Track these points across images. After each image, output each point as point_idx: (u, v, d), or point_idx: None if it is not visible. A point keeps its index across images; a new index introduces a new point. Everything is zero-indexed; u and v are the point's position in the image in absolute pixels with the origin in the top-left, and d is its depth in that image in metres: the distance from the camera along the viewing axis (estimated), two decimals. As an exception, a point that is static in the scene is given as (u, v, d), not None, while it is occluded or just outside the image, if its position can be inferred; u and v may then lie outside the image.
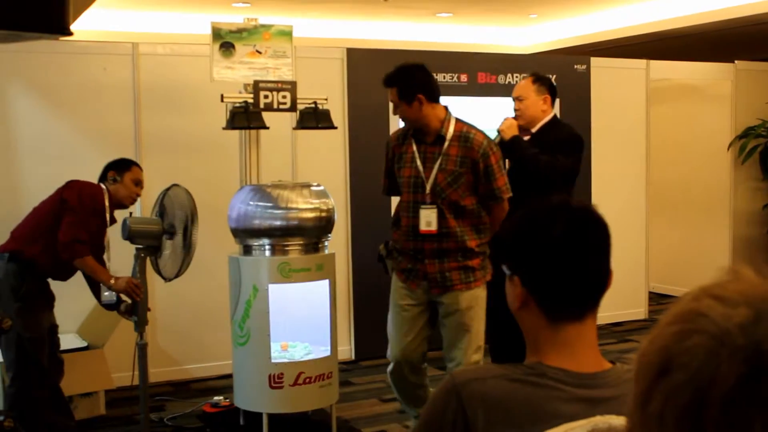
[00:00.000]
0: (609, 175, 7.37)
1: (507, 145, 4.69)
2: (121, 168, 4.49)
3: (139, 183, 4.56)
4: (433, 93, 4.19)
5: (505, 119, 4.83)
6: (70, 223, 4.20)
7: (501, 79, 6.87)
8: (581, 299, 1.58)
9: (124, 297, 4.33)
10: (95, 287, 4.49)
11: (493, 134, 4.69)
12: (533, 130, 4.85)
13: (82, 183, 4.42)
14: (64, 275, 4.45)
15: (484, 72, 6.81)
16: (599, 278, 1.59)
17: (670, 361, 0.75)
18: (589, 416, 1.39)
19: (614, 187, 7.41)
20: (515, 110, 4.84)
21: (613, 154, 7.41)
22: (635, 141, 7.59)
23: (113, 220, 4.49)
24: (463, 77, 6.74)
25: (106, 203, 4.39)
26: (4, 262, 4.17)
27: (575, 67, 7.21)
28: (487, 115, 6.78)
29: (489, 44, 9.42)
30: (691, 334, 0.75)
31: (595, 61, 7.33)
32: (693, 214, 8.15)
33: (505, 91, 6.86)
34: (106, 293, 4.28)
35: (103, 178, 4.49)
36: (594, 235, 1.58)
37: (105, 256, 4.48)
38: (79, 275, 4.51)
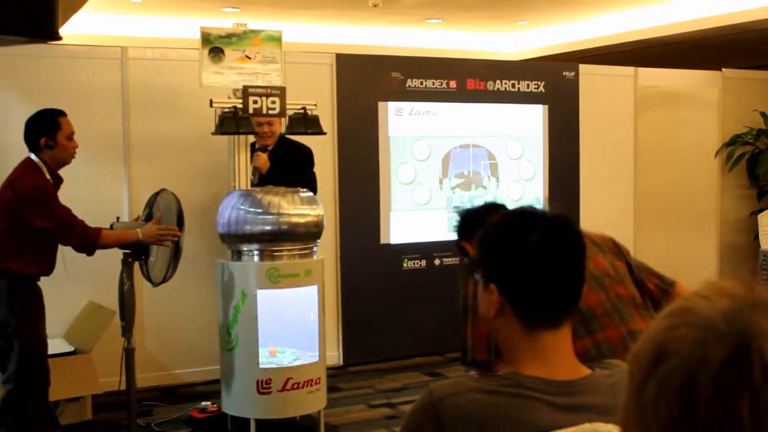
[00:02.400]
0: (597, 182, 7.39)
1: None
2: (50, 130, 4.17)
3: (72, 135, 4.26)
4: None
5: (258, 156, 5.26)
6: (48, 225, 4.05)
7: (490, 85, 6.89)
8: (557, 306, 1.59)
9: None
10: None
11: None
12: (270, 148, 5.38)
13: (13, 180, 4.13)
14: (53, 267, 4.33)
15: (473, 78, 6.83)
16: (575, 285, 1.60)
17: (662, 350, 0.82)
18: (570, 424, 1.40)
19: (602, 193, 7.43)
20: (264, 133, 5.23)
21: (601, 160, 7.43)
22: (623, 148, 7.62)
23: (59, 183, 4.29)
24: (452, 83, 6.75)
25: (47, 176, 4.15)
26: None
27: (564, 73, 7.24)
28: (476, 121, 6.82)
29: (478, 50, 9.44)
30: (680, 326, 0.83)
31: (584, 68, 7.36)
32: (680, 221, 8.17)
33: (494, 97, 6.90)
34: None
35: (35, 147, 4.17)
36: (569, 243, 1.59)
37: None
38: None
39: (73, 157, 4.32)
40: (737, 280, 0.87)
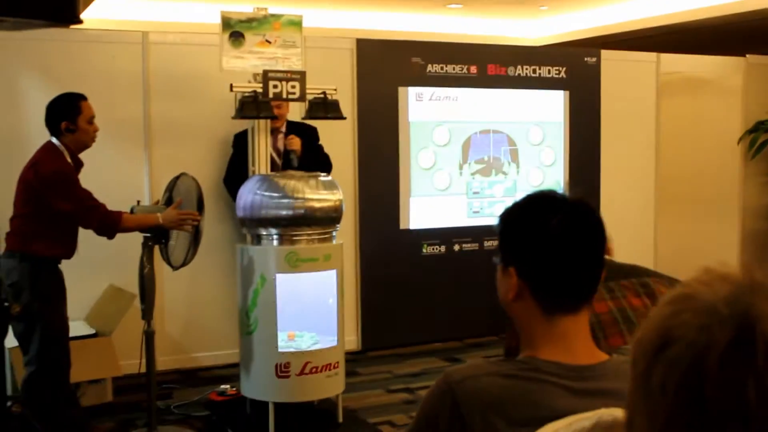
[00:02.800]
0: (618, 168, 7.35)
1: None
2: (71, 114, 4.18)
3: (92, 119, 4.26)
4: None
5: (293, 139, 5.48)
6: (69, 208, 4.08)
7: (511, 71, 6.86)
8: (576, 291, 1.58)
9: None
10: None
11: None
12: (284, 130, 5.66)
13: (35, 164, 4.14)
14: (74, 250, 4.34)
15: (493, 64, 6.80)
16: (595, 270, 1.59)
17: (667, 336, 0.84)
18: (587, 409, 1.39)
19: (623, 180, 7.39)
20: (278, 115, 5.38)
21: (622, 147, 7.39)
22: (645, 134, 7.57)
23: (80, 166, 4.31)
24: (473, 69, 6.73)
25: (68, 160, 4.17)
26: (17, 261, 4.06)
27: (585, 59, 7.19)
28: (496, 106, 6.79)
29: (499, 36, 9.40)
30: (683, 312, 0.85)
31: (606, 54, 7.31)
32: (702, 207, 8.11)
33: (514, 83, 6.86)
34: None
35: (56, 131, 4.18)
36: (590, 227, 1.59)
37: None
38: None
39: (94, 141, 4.33)
40: (736, 266, 0.89)
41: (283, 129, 5.60)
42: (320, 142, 5.78)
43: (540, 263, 1.57)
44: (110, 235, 4.26)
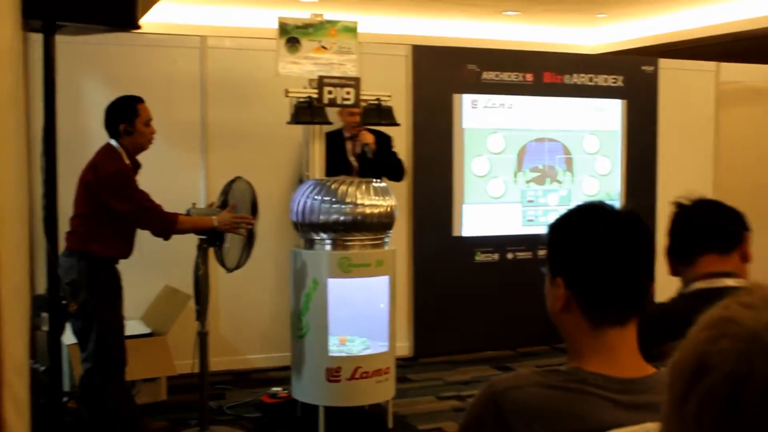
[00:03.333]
0: (675, 179, 7.24)
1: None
2: (129, 116, 4.26)
3: (149, 121, 4.33)
4: None
5: (365, 133, 5.52)
6: (126, 209, 4.16)
7: (567, 78, 6.82)
8: (624, 304, 1.56)
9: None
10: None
11: None
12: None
13: (95, 165, 4.22)
14: (131, 250, 4.42)
15: (549, 71, 6.76)
16: (643, 284, 1.58)
17: (704, 363, 0.79)
18: (633, 422, 1.38)
19: (681, 191, 7.24)
20: (353, 122, 5.52)
21: (679, 157, 7.29)
22: (703, 145, 7.46)
23: (137, 168, 4.39)
24: (529, 76, 6.70)
25: (126, 161, 4.25)
26: (75, 260, 4.13)
27: (643, 68, 7.12)
28: (552, 114, 6.76)
29: (555, 43, 9.35)
30: (723, 338, 0.79)
31: (664, 63, 7.23)
32: (762, 221, 7.95)
33: (570, 91, 6.82)
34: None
35: (114, 133, 4.26)
36: (639, 241, 1.58)
37: None
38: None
39: (151, 143, 4.40)
40: None
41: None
42: (394, 150, 5.90)
43: (587, 275, 1.56)
44: (166, 237, 4.33)
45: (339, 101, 4.84)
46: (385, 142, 5.79)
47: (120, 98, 4.37)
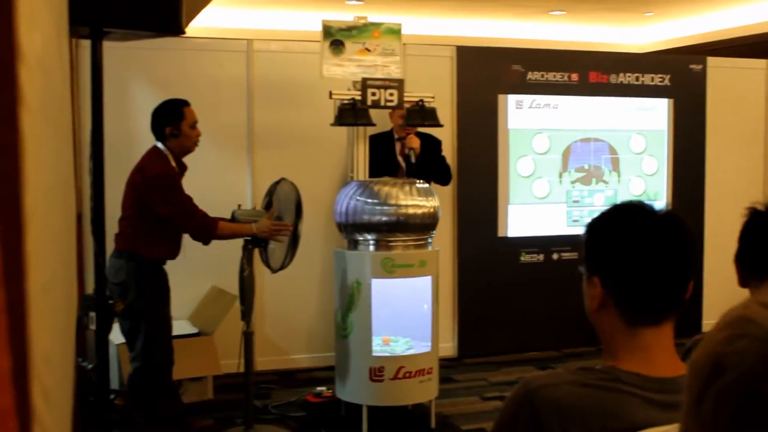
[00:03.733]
0: (723, 178, 7.16)
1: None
2: (175, 119, 4.34)
3: (194, 124, 4.40)
4: None
5: (412, 137, 5.51)
6: (169, 212, 4.22)
7: (613, 78, 6.77)
8: (660, 304, 1.57)
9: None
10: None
11: None
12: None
13: (142, 168, 4.30)
14: (178, 251, 4.50)
15: (595, 71, 6.72)
16: (680, 285, 1.57)
17: (720, 363, 0.79)
18: (667, 422, 1.38)
19: (729, 192, 7.19)
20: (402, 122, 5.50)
21: (728, 156, 7.20)
22: (753, 145, 7.36)
23: (183, 170, 4.47)
24: (574, 76, 6.67)
25: (172, 164, 4.33)
26: (124, 261, 4.21)
27: (690, 66, 7.04)
28: (597, 114, 6.71)
29: (602, 43, 9.28)
30: (739, 338, 0.78)
31: (712, 61, 7.14)
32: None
33: (616, 90, 6.77)
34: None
35: (161, 136, 4.35)
36: (677, 241, 1.57)
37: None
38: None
39: (197, 145, 4.47)
40: None
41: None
42: (443, 154, 5.97)
43: (624, 274, 1.57)
44: (205, 241, 4.40)
45: (382, 103, 4.87)
46: (434, 146, 5.83)
47: (166, 101, 4.44)
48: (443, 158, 5.94)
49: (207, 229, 4.31)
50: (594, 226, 1.65)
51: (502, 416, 1.64)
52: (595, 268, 1.61)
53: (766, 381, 0.75)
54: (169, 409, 4.32)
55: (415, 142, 5.49)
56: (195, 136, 4.42)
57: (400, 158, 5.73)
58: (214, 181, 5.81)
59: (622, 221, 1.60)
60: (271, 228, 4.38)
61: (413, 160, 5.45)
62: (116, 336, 4.52)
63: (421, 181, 4.79)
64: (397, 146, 5.76)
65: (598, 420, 1.49)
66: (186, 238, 4.49)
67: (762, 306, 0.80)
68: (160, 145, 4.35)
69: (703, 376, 0.81)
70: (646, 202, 1.62)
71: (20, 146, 0.50)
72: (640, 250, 1.55)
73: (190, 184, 5.71)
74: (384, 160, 5.52)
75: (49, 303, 0.66)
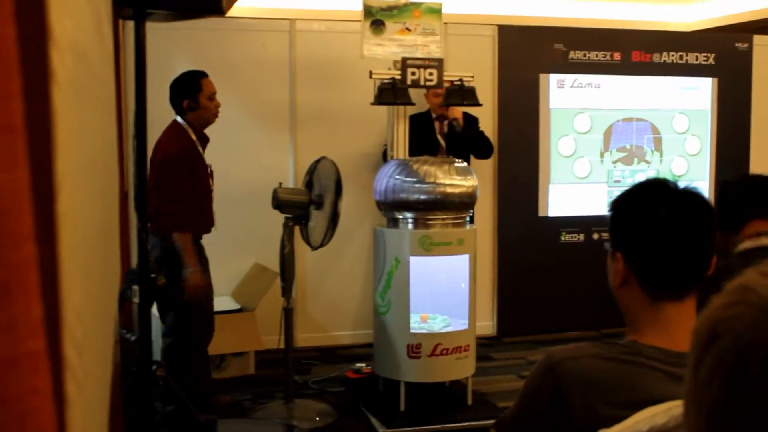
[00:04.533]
0: (769, 158, 7.08)
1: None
2: (192, 92, 4.28)
3: (213, 95, 4.34)
4: None
5: (454, 108, 5.50)
6: (155, 194, 4.06)
7: (656, 57, 6.72)
8: (682, 279, 1.60)
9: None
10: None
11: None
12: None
13: (159, 143, 4.23)
14: (209, 224, 4.45)
15: (638, 50, 6.67)
16: (701, 260, 1.60)
17: (716, 329, 0.80)
18: None
19: (774, 171, 7.11)
20: (437, 101, 5.64)
21: (774, 136, 7.11)
22: (800, 123, 7.26)
23: (205, 142, 4.40)
24: (617, 55, 6.63)
25: (192, 137, 4.27)
26: (158, 238, 4.16)
27: (736, 45, 6.95)
28: (640, 94, 6.67)
29: (646, 21, 9.17)
30: (736, 305, 0.80)
31: (759, 39, 7.04)
32: None
33: (659, 70, 6.72)
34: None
35: (179, 110, 4.30)
36: (699, 217, 1.60)
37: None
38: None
39: (216, 117, 4.40)
40: None
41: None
42: (481, 129, 6.03)
43: (645, 249, 1.60)
44: (162, 235, 4.23)
45: (422, 82, 4.90)
46: (472, 122, 5.85)
47: (183, 74, 4.38)
48: (482, 132, 5.99)
49: (169, 227, 4.13)
50: (617, 203, 1.68)
51: (526, 388, 1.69)
52: (618, 244, 1.65)
53: (758, 346, 0.76)
54: (199, 384, 4.34)
55: (458, 113, 5.54)
56: (214, 107, 4.36)
57: (439, 137, 5.78)
58: (257, 160, 5.91)
59: (644, 198, 1.63)
60: (197, 290, 4.19)
61: (459, 130, 5.51)
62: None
63: (461, 160, 4.81)
64: (436, 125, 5.81)
65: (620, 392, 1.53)
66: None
67: (762, 275, 0.81)
68: (179, 119, 4.29)
69: (701, 343, 0.82)
70: (670, 179, 1.65)
71: (52, 118, 0.56)
72: (660, 226, 1.58)
73: (234, 163, 5.83)
74: (423, 139, 5.57)
75: (80, 264, 0.72)
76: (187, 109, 4.28)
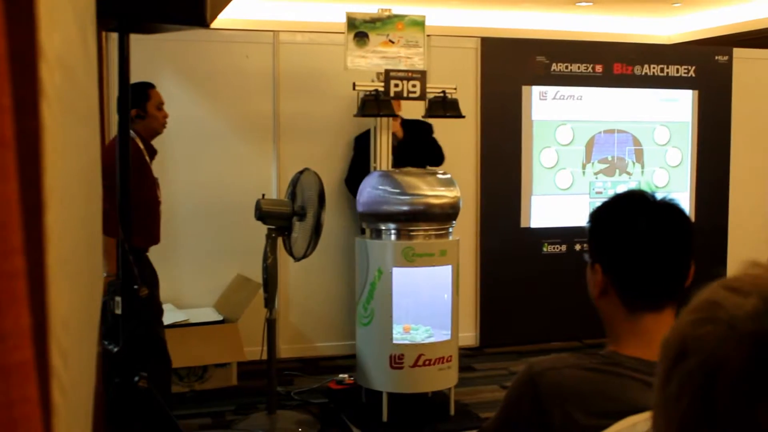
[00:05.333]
0: (749, 173, 7.15)
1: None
2: (140, 101, 4.20)
3: (161, 105, 4.31)
4: None
5: (394, 123, 5.48)
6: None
7: (638, 69, 6.77)
8: (660, 290, 1.62)
9: None
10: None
11: None
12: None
13: (104, 153, 4.13)
14: (153, 237, 4.34)
15: (619, 62, 6.73)
16: (679, 271, 1.62)
17: (685, 346, 0.80)
18: None
19: (754, 186, 7.18)
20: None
21: (754, 148, 7.17)
22: (779, 135, 7.33)
23: (153, 153, 4.33)
24: (598, 67, 6.68)
25: (140, 145, 4.17)
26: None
27: (716, 58, 7.02)
28: (621, 106, 6.72)
29: (628, 34, 9.26)
30: (705, 323, 0.79)
31: (738, 52, 7.11)
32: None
33: (641, 82, 6.77)
34: None
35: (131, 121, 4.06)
36: (676, 228, 1.62)
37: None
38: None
39: (164, 127, 4.38)
40: None
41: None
42: (434, 136, 6.02)
43: (624, 260, 1.62)
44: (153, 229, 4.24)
45: (405, 94, 4.92)
46: (425, 131, 5.91)
47: (130, 84, 4.37)
48: (434, 140, 5.98)
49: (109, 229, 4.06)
50: (596, 215, 1.70)
51: (507, 398, 1.70)
52: (596, 255, 1.66)
53: (726, 366, 0.75)
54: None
55: (395, 127, 5.56)
56: (162, 117, 4.34)
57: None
58: (240, 171, 5.91)
59: (622, 210, 1.66)
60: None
61: (394, 144, 5.46)
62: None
63: (442, 171, 4.83)
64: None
65: (600, 402, 1.54)
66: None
67: (728, 290, 0.81)
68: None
69: (670, 358, 0.82)
70: (647, 191, 1.67)
71: (41, 134, 0.57)
72: (638, 238, 1.60)
73: (216, 175, 5.85)
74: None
75: (67, 274, 0.73)
76: (135, 118, 4.21)
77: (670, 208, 1.64)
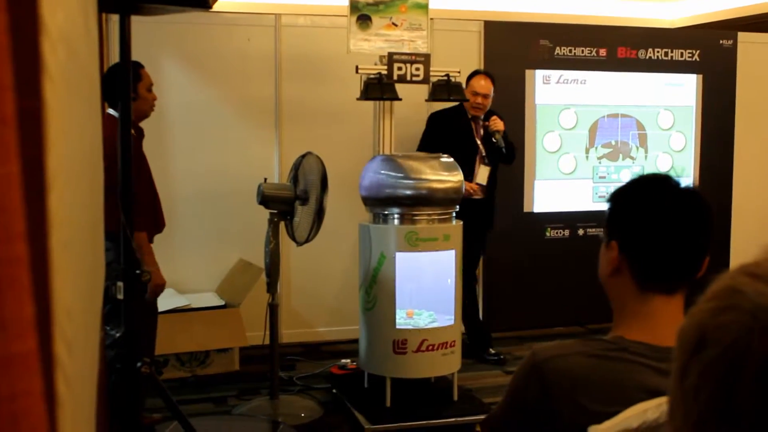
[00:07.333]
0: (752, 158, 7.12)
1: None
2: (132, 81, 3.83)
3: (151, 87, 4.19)
4: None
5: (495, 119, 5.59)
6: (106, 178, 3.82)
7: (642, 53, 6.73)
8: (674, 273, 1.61)
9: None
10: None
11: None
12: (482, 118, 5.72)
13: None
14: (156, 224, 4.30)
15: (624, 46, 6.69)
16: (695, 257, 1.61)
17: (704, 336, 0.77)
18: None
19: (758, 170, 7.15)
20: (479, 105, 5.59)
21: (758, 133, 7.14)
22: (783, 121, 7.30)
23: (141, 136, 4.19)
24: (602, 51, 6.64)
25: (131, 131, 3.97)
26: (110, 242, 3.80)
27: (721, 42, 6.98)
28: (625, 90, 6.68)
29: (632, 17, 9.18)
30: (725, 311, 0.76)
31: (743, 36, 7.07)
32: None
33: (645, 66, 6.73)
34: None
35: (113, 102, 3.93)
36: (699, 215, 1.61)
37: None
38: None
39: (153, 109, 4.26)
40: None
41: (482, 118, 5.70)
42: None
43: (643, 238, 1.61)
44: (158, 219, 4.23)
45: (408, 77, 4.89)
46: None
47: (118, 63, 4.25)
48: (511, 141, 5.79)
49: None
50: (619, 193, 1.70)
51: (511, 386, 1.69)
52: (614, 232, 1.66)
53: (748, 359, 0.72)
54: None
55: (499, 125, 5.50)
56: (152, 99, 4.21)
57: (478, 140, 5.65)
58: (242, 155, 5.89)
59: (647, 190, 1.65)
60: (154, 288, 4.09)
61: (501, 144, 5.48)
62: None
63: (446, 155, 4.79)
64: (473, 126, 5.68)
65: (608, 389, 1.53)
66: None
67: (749, 276, 0.77)
68: (111, 111, 4.00)
69: (688, 348, 0.79)
70: (673, 176, 1.67)
71: (44, 113, 0.55)
72: (661, 217, 1.60)
73: (218, 159, 5.82)
74: (460, 140, 5.52)
75: (71, 261, 0.71)
76: None
77: (694, 194, 1.65)
